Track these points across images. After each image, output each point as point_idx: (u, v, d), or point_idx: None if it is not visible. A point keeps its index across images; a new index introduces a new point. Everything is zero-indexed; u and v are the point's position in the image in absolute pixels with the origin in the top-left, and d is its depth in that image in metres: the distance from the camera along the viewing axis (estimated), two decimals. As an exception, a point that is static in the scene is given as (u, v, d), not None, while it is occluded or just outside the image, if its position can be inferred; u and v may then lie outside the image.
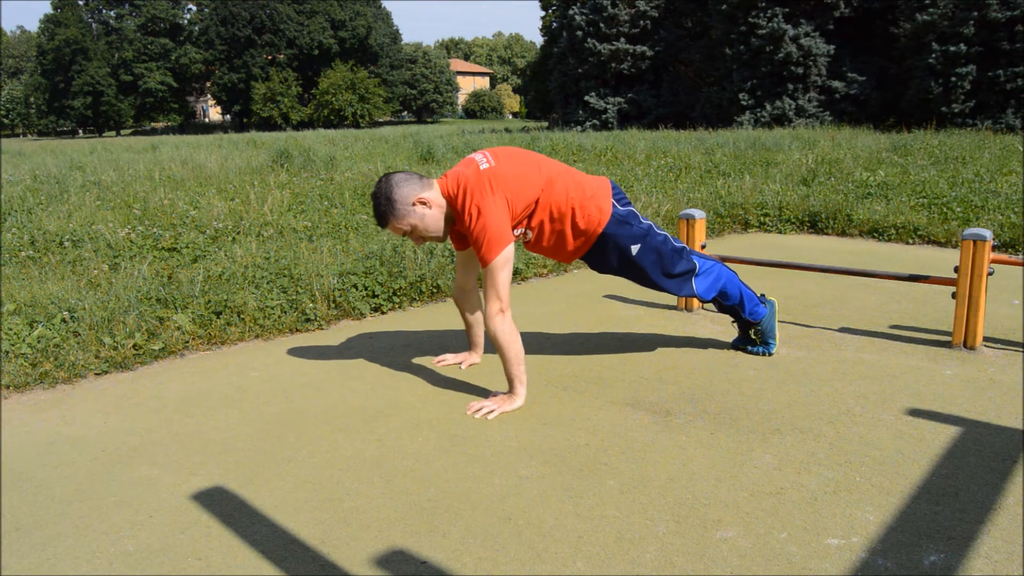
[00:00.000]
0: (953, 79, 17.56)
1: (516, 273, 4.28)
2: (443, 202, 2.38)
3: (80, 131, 56.75)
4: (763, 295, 2.88)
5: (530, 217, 2.43)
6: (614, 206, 2.51)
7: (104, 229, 5.02)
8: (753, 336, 2.87)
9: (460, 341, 3.17)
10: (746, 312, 2.78)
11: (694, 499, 1.81)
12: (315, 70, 54.19)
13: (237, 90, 53.39)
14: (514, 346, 2.34)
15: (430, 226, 2.38)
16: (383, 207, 2.34)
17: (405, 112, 66.29)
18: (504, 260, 2.30)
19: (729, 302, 2.76)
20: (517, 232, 2.45)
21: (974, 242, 2.74)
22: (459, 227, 2.40)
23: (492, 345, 2.51)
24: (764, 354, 2.85)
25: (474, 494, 1.87)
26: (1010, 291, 3.67)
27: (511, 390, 2.41)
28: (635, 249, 2.54)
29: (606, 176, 2.67)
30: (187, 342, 3.11)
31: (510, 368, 2.37)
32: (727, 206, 5.88)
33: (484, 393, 2.56)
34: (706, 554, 1.59)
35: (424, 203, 2.35)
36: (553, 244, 2.53)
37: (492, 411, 2.35)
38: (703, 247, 3.37)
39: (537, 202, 2.40)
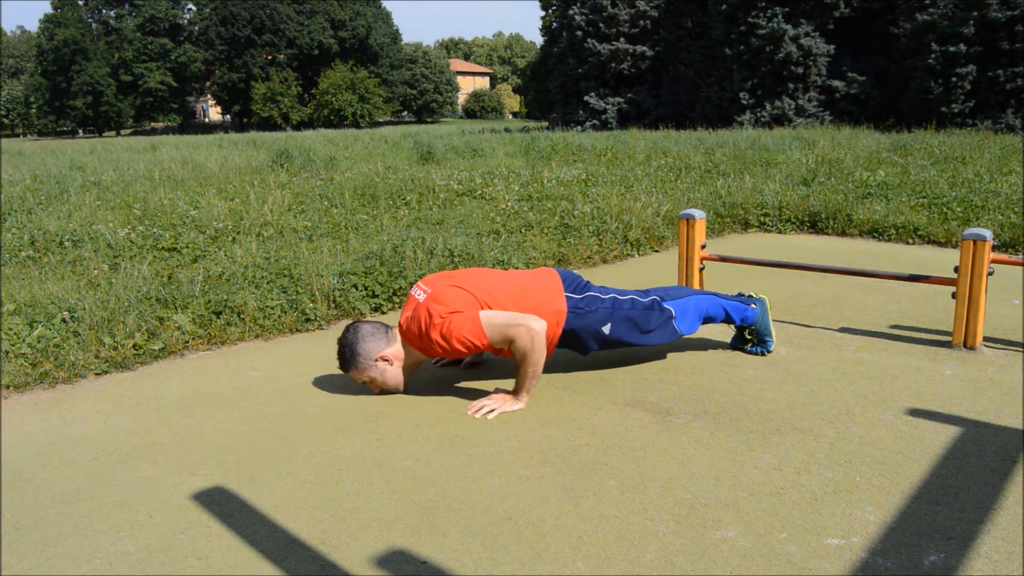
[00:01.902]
0: (953, 79, 17.56)
1: (516, 273, 4.28)
2: (402, 354, 2.47)
3: (80, 131, 56.74)
4: (750, 295, 2.88)
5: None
6: (568, 299, 2.53)
7: (104, 229, 5.02)
8: (748, 336, 2.87)
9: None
10: (736, 322, 2.82)
11: (694, 499, 1.81)
12: (315, 70, 54.20)
13: (237, 90, 53.39)
14: (540, 364, 2.36)
15: (389, 380, 2.50)
16: (347, 356, 2.46)
17: (405, 112, 66.28)
18: (489, 322, 2.31)
19: (718, 321, 2.81)
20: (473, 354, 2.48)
21: (974, 242, 2.74)
22: (433, 353, 2.44)
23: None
24: (762, 353, 2.85)
25: (474, 494, 1.87)
26: (1010, 291, 3.67)
27: (517, 394, 2.39)
28: (607, 329, 2.55)
29: (552, 267, 2.67)
30: (187, 342, 3.11)
31: (526, 380, 2.37)
32: (727, 206, 5.88)
33: (485, 394, 2.56)
34: (706, 554, 1.59)
35: (386, 360, 2.46)
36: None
37: (493, 410, 2.35)
38: (703, 247, 3.37)
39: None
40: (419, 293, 2.45)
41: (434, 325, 2.33)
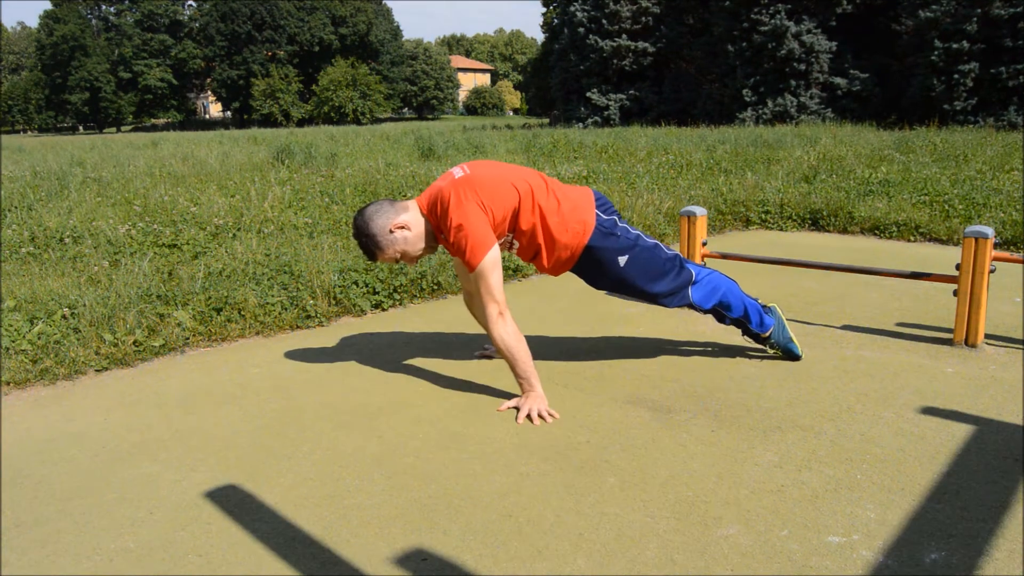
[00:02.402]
0: (955, 76, 17.51)
1: (517, 270, 4.28)
2: (421, 220, 2.39)
3: (80, 127, 56.72)
4: (763, 304, 2.75)
5: (513, 226, 2.40)
6: (598, 216, 2.45)
7: (104, 225, 5.01)
8: (773, 354, 2.78)
9: (461, 338, 3.17)
10: (753, 324, 2.67)
11: (695, 496, 1.81)
12: (316, 67, 54.13)
13: (237, 87, 53.35)
14: (519, 347, 2.31)
15: (416, 245, 2.39)
16: (366, 243, 2.37)
17: (406, 109, 66.22)
18: (491, 262, 2.26)
19: (732, 314, 2.63)
20: (501, 240, 2.41)
21: (976, 239, 2.74)
22: (441, 240, 2.39)
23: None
24: (797, 360, 2.74)
25: (475, 491, 1.87)
26: (1012, 288, 3.67)
27: (527, 390, 2.36)
28: (623, 260, 2.46)
29: (589, 187, 2.61)
30: (187, 339, 3.11)
31: (520, 369, 2.32)
32: (728, 203, 5.87)
33: (486, 391, 2.56)
34: (707, 551, 1.59)
35: (402, 227, 2.36)
36: (537, 255, 2.48)
37: (529, 413, 2.29)
38: (704, 244, 3.36)
39: (517, 212, 2.36)
40: (458, 171, 2.36)
41: (459, 201, 2.25)
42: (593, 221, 2.43)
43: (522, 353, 2.31)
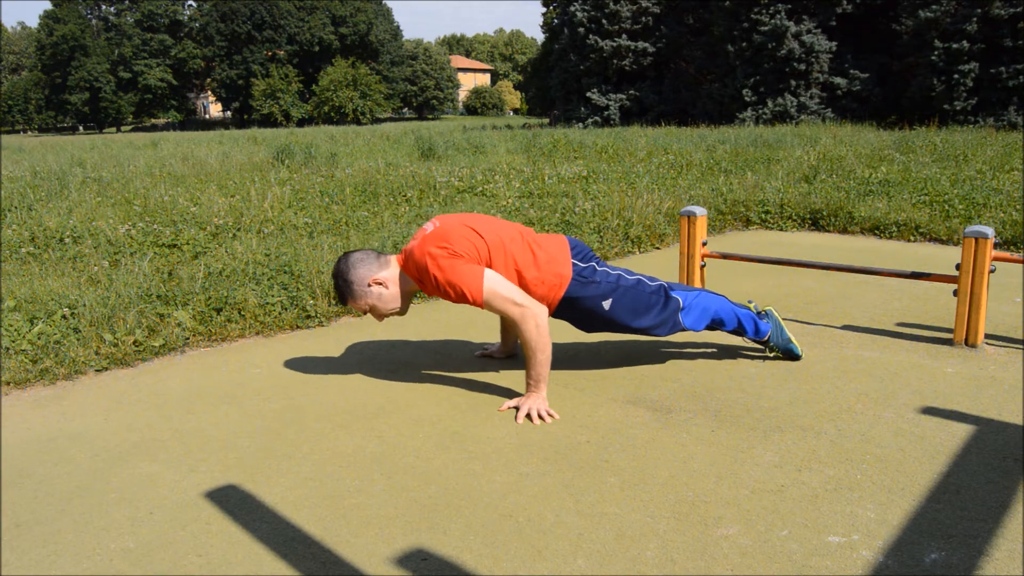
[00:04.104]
0: (955, 76, 17.52)
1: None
2: (398, 279, 2.43)
3: (80, 127, 56.73)
4: (758, 311, 2.76)
5: None
6: (575, 266, 2.47)
7: (104, 225, 5.01)
8: (772, 356, 2.79)
9: (461, 338, 3.17)
10: (749, 334, 2.69)
11: (695, 496, 1.81)
12: (316, 67, 54.12)
13: (237, 87, 53.34)
14: (544, 347, 2.31)
15: (388, 304, 2.44)
16: (341, 288, 2.43)
17: (406, 109, 66.23)
18: (491, 286, 2.28)
19: (727, 328, 2.66)
20: None
21: (976, 239, 2.73)
22: (437, 294, 2.40)
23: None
24: (798, 360, 2.75)
25: (475, 491, 1.87)
26: (1011, 288, 3.67)
27: (532, 391, 2.35)
28: (607, 304, 2.48)
29: (563, 235, 2.62)
30: (187, 339, 3.11)
31: (535, 369, 2.32)
32: (728, 203, 5.87)
33: (486, 391, 2.56)
34: (707, 551, 1.59)
35: (380, 283, 2.41)
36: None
37: (529, 413, 2.30)
38: (704, 244, 3.37)
39: (489, 264, 2.36)
40: (429, 226, 2.40)
41: (433, 257, 2.28)
42: (569, 273, 2.46)
43: (544, 355, 2.32)
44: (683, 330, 2.61)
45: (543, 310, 2.31)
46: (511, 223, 2.50)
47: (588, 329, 2.63)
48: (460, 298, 2.30)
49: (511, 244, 2.39)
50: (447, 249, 2.29)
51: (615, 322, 2.53)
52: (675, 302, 2.57)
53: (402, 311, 2.50)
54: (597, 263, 2.54)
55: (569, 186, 6.89)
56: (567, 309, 2.52)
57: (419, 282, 2.41)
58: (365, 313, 2.49)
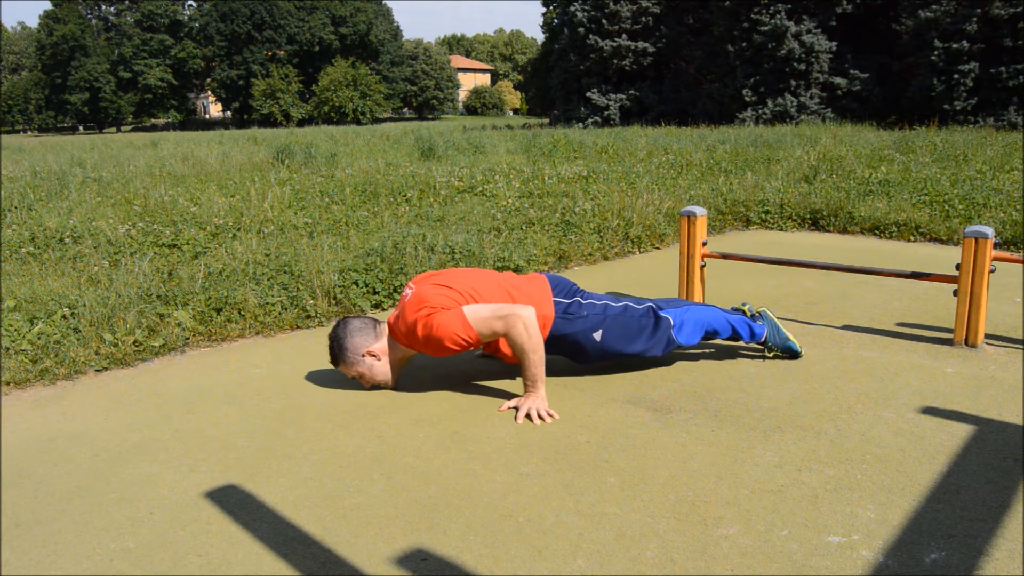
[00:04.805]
0: (955, 76, 17.52)
1: (517, 270, 4.27)
2: (387, 350, 2.50)
3: (80, 127, 56.72)
4: (752, 313, 2.77)
5: None
6: (557, 304, 2.50)
7: (104, 225, 5.01)
8: (772, 356, 2.79)
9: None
10: (745, 338, 2.71)
11: (695, 496, 1.81)
12: (316, 67, 54.11)
13: (237, 87, 53.33)
14: (541, 350, 2.34)
15: (377, 375, 2.52)
16: (335, 351, 2.50)
17: (406, 109, 66.22)
18: (474, 316, 2.31)
19: (723, 336, 2.68)
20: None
21: (976, 239, 2.73)
22: (438, 355, 2.45)
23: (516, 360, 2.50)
24: (798, 358, 2.76)
25: (475, 491, 1.87)
26: (1011, 288, 3.67)
27: (530, 391, 2.36)
28: (598, 335, 2.51)
29: (543, 274, 2.66)
30: (187, 339, 3.11)
31: (531, 371, 2.33)
32: (728, 203, 5.87)
33: (486, 391, 2.56)
34: (707, 551, 1.59)
35: (373, 355, 2.49)
36: (498, 350, 2.50)
37: (529, 413, 2.31)
38: (704, 244, 3.37)
39: None
40: (407, 292, 2.47)
41: (419, 321, 2.34)
42: (551, 312, 2.50)
43: (537, 355, 2.33)
44: (679, 347, 2.63)
45: (528, 310, 2.32)
46: (488, 271, 2.55)
47: (585, 362, 2.64)
48: (462, 345, 2.34)
49: (485, 292, 2.43)
50: (427, 307, 2.34)
51: (608, 351, 2.55)
52: (665, 321, 2.58)
53: (393, 384, 2.57)
54: (582, 296, 2.58)
55: (569, 186, 6.89)
56: (558, 347, 2.55)
57: (411, 346, 2.46)
58: (352, 378, 2.58)
